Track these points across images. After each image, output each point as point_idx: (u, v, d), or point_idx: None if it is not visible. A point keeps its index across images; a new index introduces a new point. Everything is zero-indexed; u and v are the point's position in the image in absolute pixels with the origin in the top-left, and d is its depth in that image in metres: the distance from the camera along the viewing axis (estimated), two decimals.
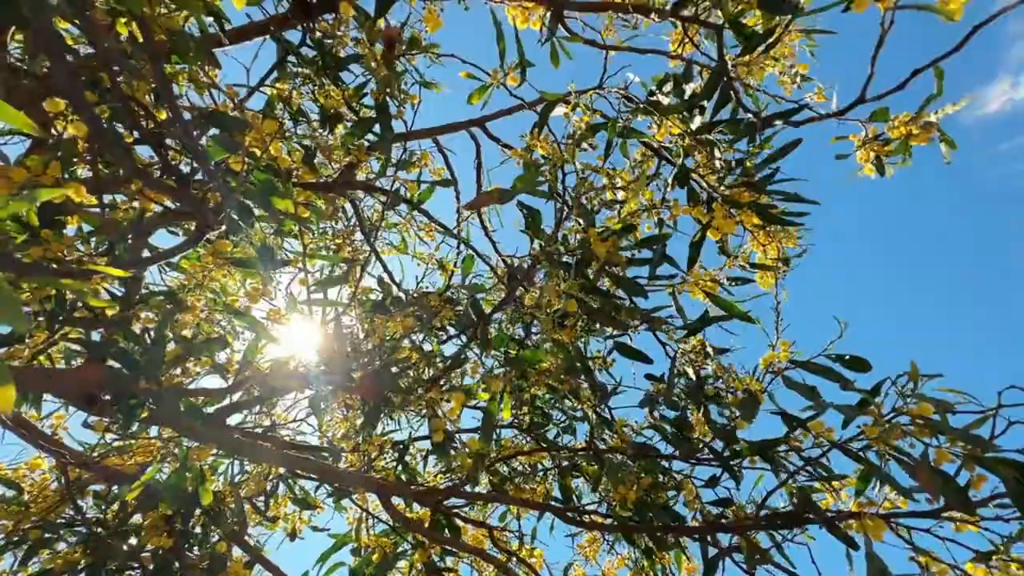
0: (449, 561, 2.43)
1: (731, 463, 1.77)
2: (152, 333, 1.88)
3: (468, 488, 2.23)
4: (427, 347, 2.51)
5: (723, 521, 1.90)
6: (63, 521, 1.90)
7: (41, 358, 1.84)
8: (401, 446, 2.57)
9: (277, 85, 2.20)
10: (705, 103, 1.79)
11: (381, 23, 2.13)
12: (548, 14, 2.10)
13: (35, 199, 1.36)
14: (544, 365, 2.38)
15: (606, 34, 2.43)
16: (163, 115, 1.79)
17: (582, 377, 2.28)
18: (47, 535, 1.83)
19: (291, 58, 2.20)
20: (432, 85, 2.35)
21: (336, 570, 2.45)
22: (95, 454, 2.03)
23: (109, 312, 1.85)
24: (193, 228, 1.83)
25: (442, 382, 2.33)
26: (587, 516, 2.28)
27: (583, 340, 2.38)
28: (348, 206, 2.74)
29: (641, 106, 1.96)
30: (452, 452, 2.23)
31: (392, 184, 2.55)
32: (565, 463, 2.48)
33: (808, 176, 1.86)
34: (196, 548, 2.07)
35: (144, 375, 1.80)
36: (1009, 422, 1.27)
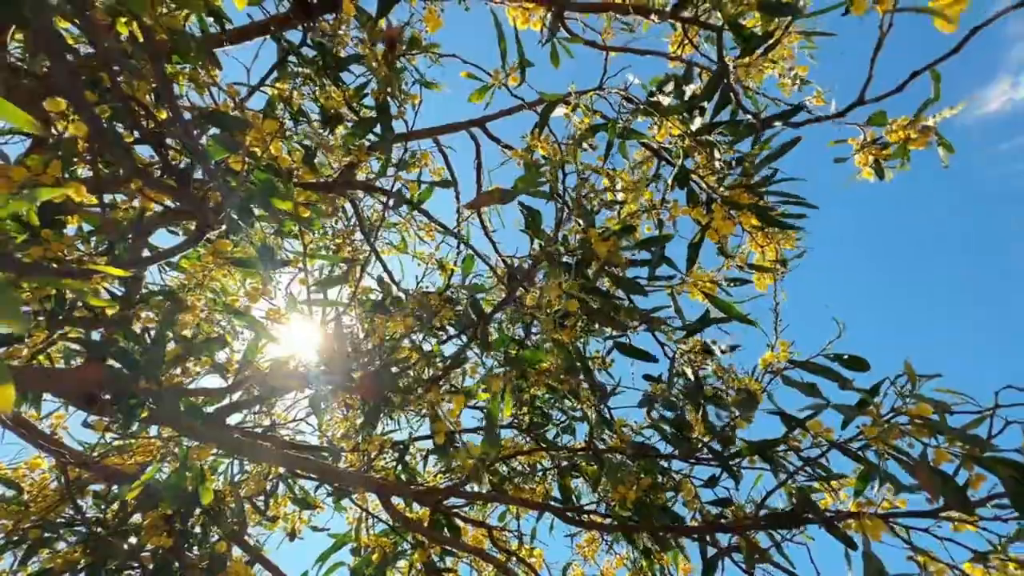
0: (449, 561, 2.43)
1: (730, 463, 1.77)
2: (152, 333, 1.88)
3: (468, 488, 2.24)
4: (427, 347, 2.51)
5: (722, 521, 1.90)
6: (63, 520, 1.89)
7: (40, 358, 1.84)
8: (401, 446, 2.57)
9: (277, 85, 2.20)
10: (705, 104, 1.79)
11: (382, 23, 2.14)
12: (549, 15, 2.10)
13: (35, 198, 1.36)
14: (544, 365, 2.38)
15: (606, 35, 2.43)
16: (163, 115, 1.79)
17: (582, 377, 2.28)
18: (47, 534, 1.83)
19: (291, 58, 2.20)
20: (433, 85, 2.35)
21: (336, 570, 2.45)
22: (95, 454, 2.03)
23: (109, 312, 1.84)
24: (193, 228, 1.83)
25: (442, 382, 2.33)
26: (586, 516, 2.28)
27: (583, 340, 2.38)
28: (348, 206, 2.74)
29: (642, 107, 1.97)
30: (453, 452, 2.23)
31: (392, 184, 2.55)
32: (564, 463, 2.48)
33: (807, 178, 1.87)
34: (196, 548, 2.07)
35: (144, 375, 1.80)
36: (1007, 422, 1.28)
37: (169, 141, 1.78)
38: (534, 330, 2.43)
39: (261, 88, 2.17)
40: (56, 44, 1.20)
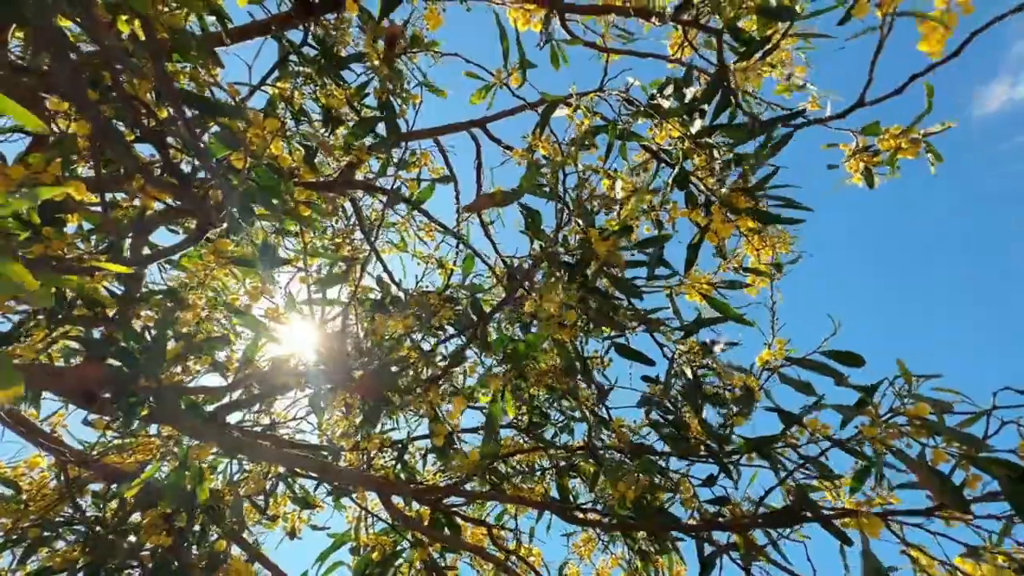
0: (448, 559, 2.44)
1: (728, 461, 1.79)
2: (152, 331, 1.88)
3: (468, 487, 2.24)
4: (426, 346, 2.52)
5: (720, 519, 1.92)
6: (62, 519, 1.89)
7: (40, 357, 1.84)
8: (400, 445, 2.58)
9: (279, 84, 2.20)
10: (705, 107, 1.81)
11: (384, 21, 2.14)
12: (548, 17, 2.11)
13: (36, 197, 1.36)
14: (542, 365, 2.39)
15: (606, 37, 2.44)
16: (164, 114, 1.79)
17: (580, 377, 2.29)
18: (46, 533, 1.82)
19: (293, 57, 2.20)
20: (434, 89, 2.36)
21: (335, 569, 2.45)
22: (94, 452, 2.03)
23: (109, 310, 1.84)
24: (194, 226, 1.83)
25: (441, 382, 2.34)
26: (585, 514, 2.29)
27: (582, 341, 2.39)
28: (348, 205, 2.74)
29: (642, 109, 1.98)
30: (452, 453, 2.24)
31: (392, 183, 2.56)
32: (562, 463, 2.49)
33: (806, 179, 1.89)
34: (195, 547, 2.07)
35: (144, 373, 1.80)
36: (1002, 422, 1.30)
37: (170, 140, 1.78)
38: (533, 330, 2.43)
39: (262, 87, 2.17)
40: (58, 42, 1.20)
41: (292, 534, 2.73)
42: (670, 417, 2.15)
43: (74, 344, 1.88)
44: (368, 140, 2.36)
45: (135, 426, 1.90)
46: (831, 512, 1.52)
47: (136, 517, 1.96)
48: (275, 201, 1.77)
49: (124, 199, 1.96)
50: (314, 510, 2.69)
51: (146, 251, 1.91)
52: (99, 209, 1.84)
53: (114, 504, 1.97)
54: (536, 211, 2.13)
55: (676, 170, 1.96)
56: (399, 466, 2.59)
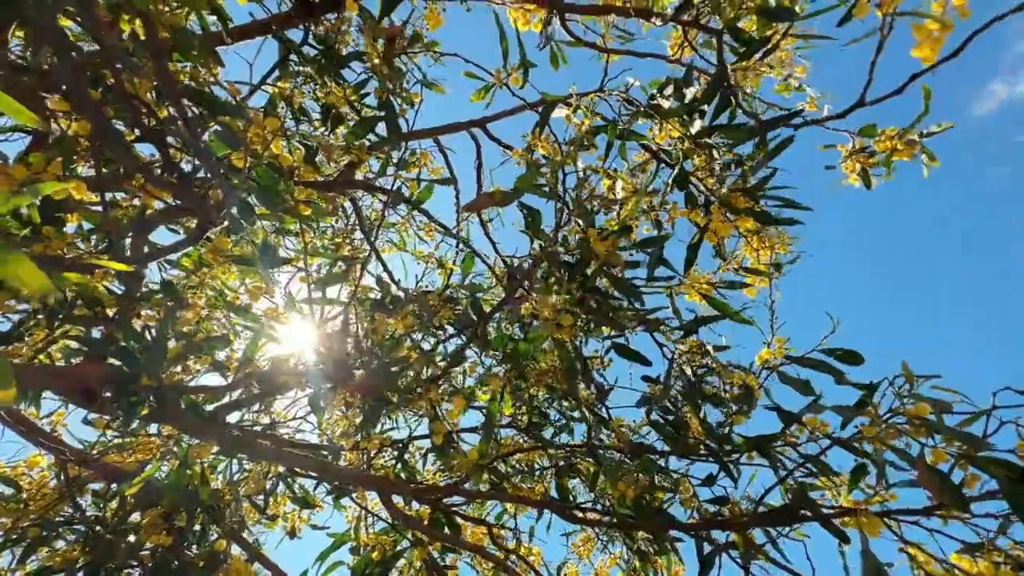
0: (448, 559, 2.44)
1: (727, 459, 1.79)
2: (153, 331, 1.87)
3: (468, 486, 2.25)
4: (426, 346, 2.52)
5: (719, 519, 1.92)
6: (62, 519, 1.89)
7: (40, 356, 1.83)
8: (400, 445, 2.58)
9: (279, 84, 2.20)
10: (705, 107, 1.81)
11: (383, 21, 2.14)
12: (550, 17, 2.11)
13: (36, 194, 1.36)
14: (542, 365, 2.39)
15: (606, 38, 2.45)
16: (164, 113, 1.79)
17: (580, 376, 2.29)
18: (46, 533, 1.82)
19: (293, 56, 2.20)
20: (434, 86, 2.36)
21: (335, 569, 2.46)
22: (94, 452, 2.03)
23: (109, 310, 1.84)
24: (194, 226, 1.83)
25: (441, 382, 2.34)
26: (585, 513, 2.30)
27: (581, 341, 2.39)
28: (348, 205, 2.74)
29: (642, 109, 1.98)
30: (452, 452, 2.24)
31: (392, 183, 2.56)
32: (562, 463, 2.50)
33: (806, 180, 1.90)
34: (195, 546, 2.07)
35: (145, 372, 1.80)
36: (1001, 422, 1.30)
37: (170, 140, 1.78)
38: (533, 329, 2.44)
39: (262, 87, 2.17)
40: (60, 41, 1.20)
41: (292, 534, 2.73)
42: (670, 417, 2.16)
43: (74, 344, 1.88)
44: (368, 140, 2.36)
45: (135, 425, 1.90)
46: (830, 511, 1.52)
47: (136, 516, 1.96)
48: (275, 200, 1.77)
49: (124, 198, 1.96)
50: (314, 510, 2.69)
51: (146, 250, 1.91)
52: (99, 209, 1.84)
53: (114, 503, 1.97)
54: (536, 210, 2.14)
55: (676, 170, 1.97)
56: (399, 466, 2.60)
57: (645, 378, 2.30)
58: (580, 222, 2.10)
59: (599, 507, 2.31)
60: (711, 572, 1.82)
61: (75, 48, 1.43)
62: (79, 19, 1.54)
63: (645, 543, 2.46)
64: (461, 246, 2.80)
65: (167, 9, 1.65)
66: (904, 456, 1.26)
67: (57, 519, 1.88)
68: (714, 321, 2.08)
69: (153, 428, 2.12)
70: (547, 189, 2.05)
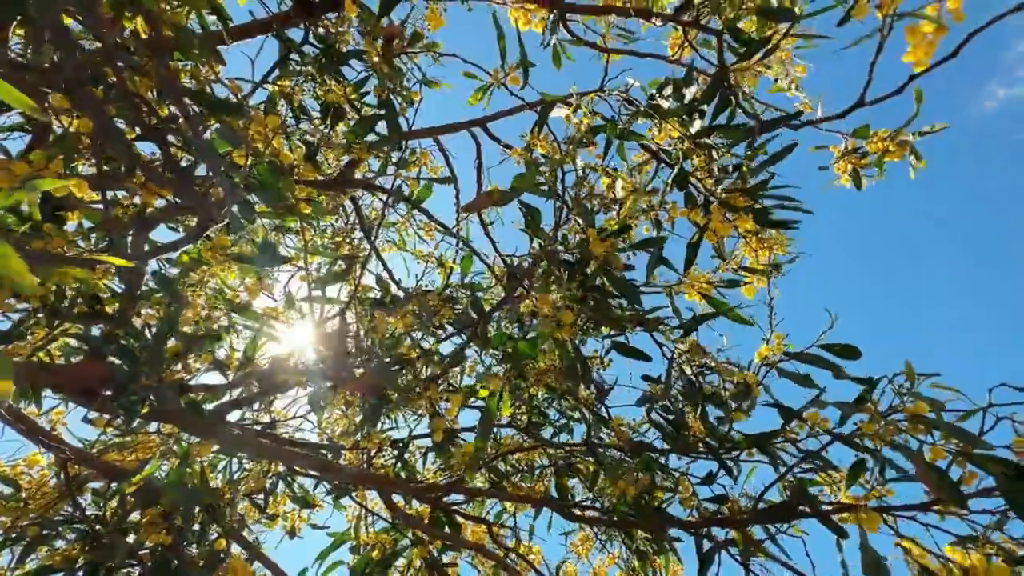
0: (448, 557, 2.44)
1: (727, 457, 1.80)
2: (153, 329, 1.87)
3: (468, 484, 2.25)
4: (426, 345, 2.52)
5: (719, 516, 1.93)
6: (62, 518, 1.88)
7: (40, 354, 1.83)
8: (400, 444, 2.58)
9: (279, 82, 2.21)
10: (705, 107, 1.82)
11: (383, 20, 2.15)
12: (556, 21, 2.12)
13: (36, 189, 1.36)
14: (541, 364, 2.39)
15: (607, 38, 2.46)
16: (165, 111, 1.79)
17: (580, 376, 2.30)
18: (45, 532, 1.82)
19: (293, 56, 2.20)
20: (434, 84, 2.36)
21: (335, 568, 2.46)
22: (94, 450, 2.02)
23: (109, 308, 1.84)
24: (195, 224, 1.83)
25: (441, 381, 2.34)
26: (584, 512, 2.30)
27: (581, 340, 2.40)
28: (348, 204, 2.75)
29: (642, 109, 2.00)
30: (451, 450, 2.24)
31: (393, 182, 2.57)
32: (561, 462, 2.50)
33: (804, 177, 1.91)
34: (195, 545, 2.06)
35: (145, 371, 1.80)
36: (997, 419, 1.32)
37: (171, 138, 1.79)
38: (532, 328, 2.44)
39: (263, 86, 2.17)
40: (63, 38, 1.21)
41: (292, 533, 2.73)
42: (671, 416, 2.17)
43: (74, 342, 1.88)
44: (368, 139, 2.36)
45: (135, 424, 1.90)
46: (829, 507, 1.54)
47: (136, 515, 1.96)
48: (276, 198, 1.78)
49: (125, 196, 1.96)
50: (314, 509, 2.69)
51: (146, 248, 1.90)
52: (99, 207, 1.84)
53: (114, 502, 1.96)
54: (536, 209, 2.14)
55: (675, 170, 1.98)
56: (399, 465, 2.60)
57: (645, 377, 2.31)
58: (580, 221, 2.11)
59: (598, 506, 2.32)
60: (710, 569, 1.83)
61: (77, 46, 1.43)
62: (80, 17, 1.54)
63: (644, 543, 2.47)
64: (461, 245, 2.81)
65: (167, 7, 1.66)
66: (905, 452, 1.27)
67: (57, 518, 1.88)
68: (712, 318, 2.09)
69: (153, 427, 2.11)
70: (546, 188, 2.06)
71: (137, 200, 1.91)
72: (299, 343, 2.33)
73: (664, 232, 2.16)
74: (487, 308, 2.40)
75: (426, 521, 2.35)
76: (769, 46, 1.73)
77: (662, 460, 2.18)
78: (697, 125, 1.85)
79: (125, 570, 1.89)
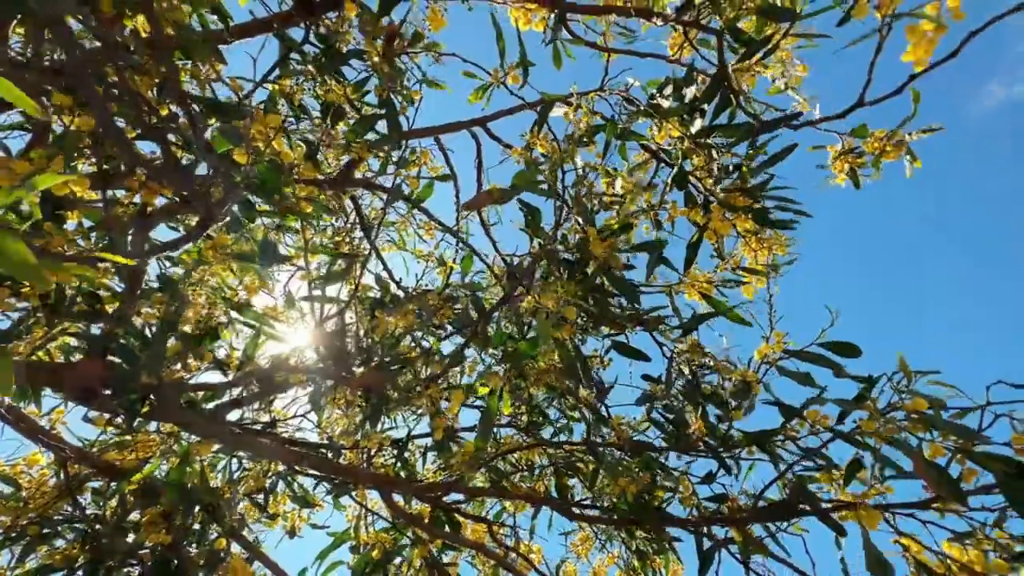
0: (449, 556, 2.45)
1: (727, 455, 1.81)
2: (153, 328, 1.87)
3: (468, 483, 2.25)
4: (426, 344, 2.52)
5: (719, 515, 1.93)
6: (61, 517, 1.88)
7: (40, 354, 1.83)
8: (400, 443, 2.58)
9: (279, 82, 2.21)
10: (705, 107, 1.83)
11: (383, 20, 2.15)
12: (552, 16, 2.13)
13: (36, 188, 1.35)
14: (541, 364, 2.40)
15: (607, 37, 2.46)
16: (165, 111, 1.79)
17: (580, 374, 2.30)
18: (45, 531, 1.81)
19: (294, 55, 2.20)
20: (434, 84, 2.37)
21: (335, 568, 2.46)
22: (94, 449, 2.02)
23: (109, 307, 1.84)
24: (195, 223, 1.82)
25: (441, 380, 2.34)
26: (584, 510, 2.31)
27: (581, 339, 2.41)
28: (348, 203, 2.75)
29: (642, 108, 2.00)
30: (452, 449, 2.25)
31: (393, 181, 2.57)
32: (561, 462, 2.51)
33: (803, 177, 1.92)
34: (195, 545, 2.06)
35: (145, 370, 1.80)
36: (996, 416, 1.33)
37: (171, 137, 1.78)
38: (532, 328, 2.44)
39: (263, 85, 2.17)
40: (66, 35, 1.21)
41: (292, 533, 2.73)
42: (671, 416, 2.17)
43: (74, 341, 1.88)
44: (369, 138, 2.37)
45: (135, 423, 1.90)
46: (829, 505, 1.54)
47: (136, 515, 1.95)
48: (277, 197, 1.78)
49: (125, 195, 1.96)
50: (313, 509, 2.69)
51: (146, 247, 1.90)
52: (99, 206, 1.84)
53: (114, 502, 1.96)
54: (536, 208, 2.15)
55: (675, 170, 1.98)
56: (399, 464, 2.60)
57: (645, 376, 2.31)
58: (579, 221, 2.11)
59: (598, 505, 2.32)
60: (710, 568, 1.83)
61: (79, 43, 1.43)
62: (79, 16, 1.54)
63: (644, 542, 2.47)
64: (460, 245, 2.81)
65: (166, 5, 1.65)
66: (904, 449, 1.28)
67: (56, 517, 1.87)
68: (712, 318, 2.10)
69: (153, 426, 2.11)
70: (546, 187, 2.07)
71: (137, 199, 1.91)
72: (299, 342, 2.33)
73: (664, 232, 2.17)
74: (487, 307, 2.40)
75: (426, 520, 2.35)
76: (769, 46, 1.73)
77: (662, 459, 2.18)
78: (698, 125, 1.86)
79: (125, 569, 1.88)
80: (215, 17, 2.00)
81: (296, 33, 2.19)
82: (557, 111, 2.25)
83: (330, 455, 2.37)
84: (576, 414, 2.60)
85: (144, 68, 1.66)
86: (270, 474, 2.44)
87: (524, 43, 2.36)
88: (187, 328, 2.02)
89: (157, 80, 1.71)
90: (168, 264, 2.14)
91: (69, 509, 1.90)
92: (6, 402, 1.81)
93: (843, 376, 1.50)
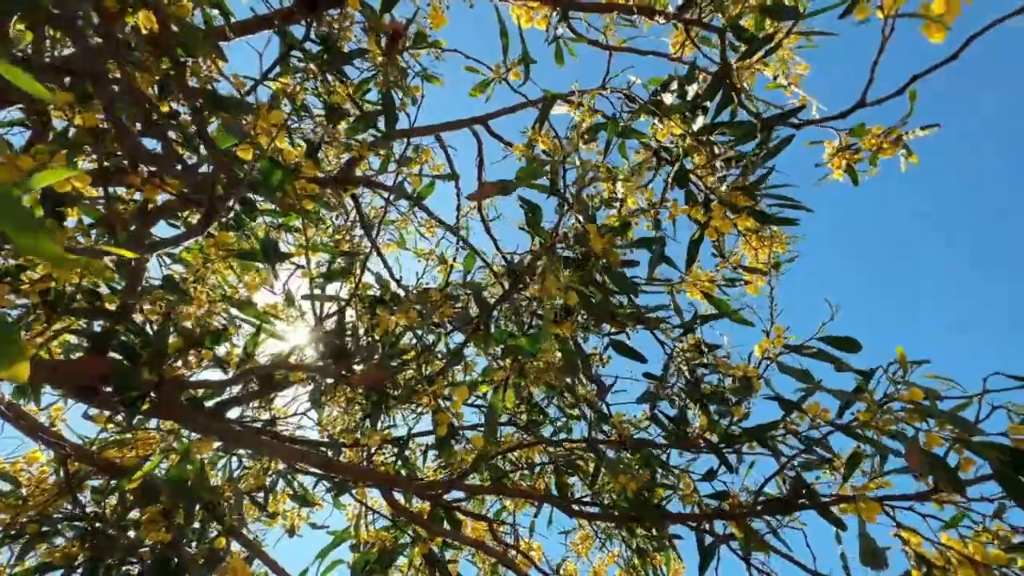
0: (449, 555, 2.44)
1: (727, 450, 1.82)
2: (155, 325, 1.87)
3: (469, 481, 2.25)
4: (427, 341, 2.52)
5: (720, 512, 1.94)
6: (61, 515, 1.87)
7: (40, 351, 1.82)
8: (400, 441, 2.58)
9: (281, 80, 2.21)
10: (707, 104, 1.85)
11: (385, 17, 2.16)
12: (554, 14, 2.14)
13: (35, 184, 1.35)
14: (541, 364, 2.41)
15: (608, 35, 2.48)
16: (166, 107, 1.79)
17: (580, 373, 2.31)
18: (45, 529, 1.80)
19: (295, 53, 2.20)
20: (435, 79, 2.37)
21: (335, 567, 2.45)
22: (94, 447, 2.01)
23: (109, 303, 1.83)
24: (197, 220, 1.82)
25: (443, 376, 2.35)
26: (584, 508, 2.31)
27: (582, 337, 2.42)
28: (348, 201, 2.75)
29: (644, 106, 2.02)
30: (455, 446, 2.25)
31: (394, 179, 2.57)
32: (561, 459, 2.51)
33: (804, 175, 1.94)
34: (195, 543, 2.05)
35: (146, 367, 1.80)
36: (993, 407, 1.35)
37: (171, 135, 1.78)
38: (532, 327, 2.45)
39: (264, 82, 2.17)
40: (74, 26, 1.21)
41: (291, 532, 2.72)
42: (672, 413, 2.18)
43: (74, 338, 1.87)
44: (369, 137, 2.37)
45: (136, 421, 1.89)
46: (828, 498, 1.56)
47: (136, 513, 1.94)
48: (279, 194, 1.78)
49: (126, 192, 1.96)
50: (313, 508, 2.68)
51: (147, 243, 1.90)
52: (100, 203, 1.83)
53: (114, 500, 1.95)
54: (537, 206, 2.16)
55: (676, 168, 2.00)
56: (399, 462, 2.60)
57: (647, 375, 2.32)
58: (580, 218, 2.12)
59: (598, 503, 2.33)
60: (711, 564, 1.84)
61: (87, 37, 1.43)
62: (82, 12, 1.54)
63: (644, 540, 2.48)
64: (461, 244, 2.81)
65: (167, 1, 1.66)
66: (903, 440, 1.30)
67: (56, 515, 1.86)
68: (714, 319, 2.11)
69: (153, 423, 2.10)
70: (548, 182, 2.07)
71: (138, 196, 1.90)
72: (299, 340, 2.32)
73: (664, 230, 2.18)
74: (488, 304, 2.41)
75: (426, 518, 2.35)
76: (772, 44, 1.75)
77: (663, 457, 2.19)
78: (699, 122, 1.88)
79: (124, 568, 1.87)
80: (216, 12, 2.01)
81: (297, 31, 2.20)
82: (558, 108, 2.26)
83: (330, 453, 2.37)
84: (575, 412, 2.61)
85: (145, 64, 1.66)
86: (270, 472, 2.43)
87: (526, 40, 2.38)
88: (188, 324, 2.01)
89: (158, 77, 1.71)
90: (169, 261, 2.13)
91: (69, 507, 1.89)
92: (6, 399, 1.80)
93: (843, 370, 1.51)
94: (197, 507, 2.03)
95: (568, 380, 2.40)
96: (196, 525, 2.08)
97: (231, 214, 1.83)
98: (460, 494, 2.42)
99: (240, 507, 2.18)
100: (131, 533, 1.89)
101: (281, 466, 2.45)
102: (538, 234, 2.22)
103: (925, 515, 1.46)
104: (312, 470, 2.35)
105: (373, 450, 2.47)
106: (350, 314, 2.49)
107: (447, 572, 2.37)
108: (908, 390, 1.38)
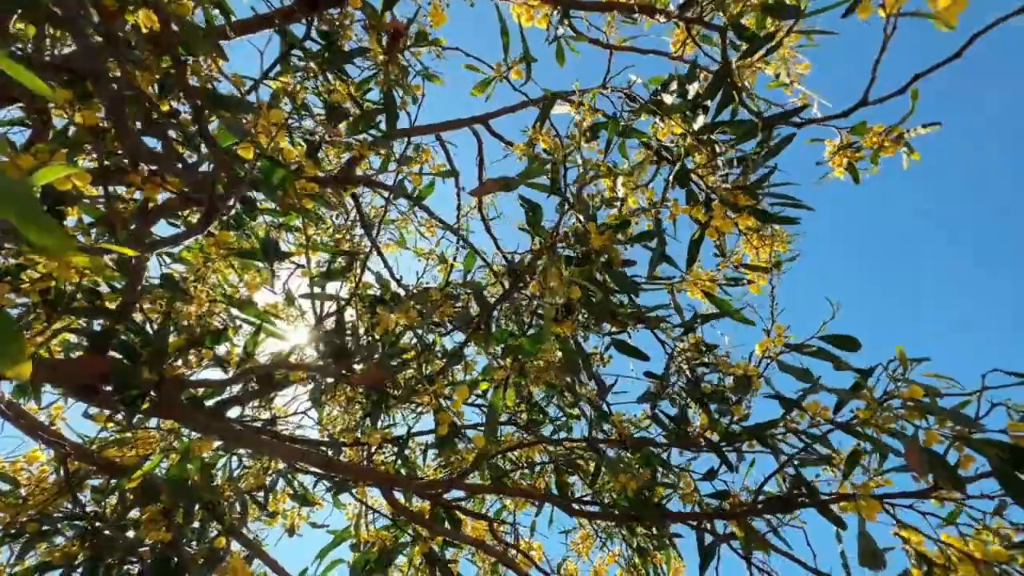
0: (449, 553, 2.44)
1: (727, 449, 1.82)
2: (155, 324, 1.86)
3: (470, 480, 2.25)
4: (428, 340, 2.52)
5: (721, 511, 1.94)
6: (61, 514, 1.86)
7: (40, 350, 1.81)
8: (400, 441, 2.58)
9: (281, 79, 2.21)
10: (708, 103, 1.85)
11: (386, 15, 2.16)
12: (556, 13, 2.14)
13: (35, 182, 1.34)
14: (541, 363, 2.41)
15: (609, 33, 2.48)
16: (166, 106, 1.78)
17: (581, 371, 2.31)
18: (45, 528, 1.80)
19: (295, 51, 2.20)
20: (435, 78, 2.37)
21: (335, 567, 2.45)
22: (94, 446, 2.00)
23: (109, 302, 1.83)
24: (197, 219, 1.82)
25: (443, 375, 2.35)
26: (586, 507, 2.31)
27: (583, 336, 2.42)
28: (349, 201, 2.75)
29: (645, 105, 2.02)
30: (455, 444, 2.25)
31: (395, 178, 2.57)
32: (561, 459, 2.51)
33: (806, 174, 1.94)
34: (195, 543, 2.05)
35: (146, 366, 1.79)
36: (992, 404, 1.35)
37: (172, 133, 1.78)
38: (533, 327, 2.45)
39: (264, 81, 2.17)
40: (75, 24, 1.21)
41: (291, 531, 2.72)
42: (673, 412, 2.18)
43: (74, 337, 1.86)
44: (370, 136, 2.37)
45: (136, 420, 1.88)
46: (828, 496, 1.56)
47: (136, 512, 1.94)
48: (279, 193, 1.78)
49: (126, 191, 1.95)
50: (313, 507, 2.68)
51: (147, 242, 1.89)
52: (100, 202, 1.83)
53: (114, 499, 1.95)
54: (537, 205, 2.16)
55: (677, 167, 2.00)
56: (399, 461, 2.60)
57: (648, 374, 2.32)
58: (580, 217, 2.12)
59: (599, 502, 2.33)
60: (711, 563, 1.84)
61: (88, 35, 1.42)
62: (81, 13, 1.54)
63: (644, 539, 2.48)
64: (461, 243, 2.81)
65: (167, 0, 1.66)
66: (902, 438, 1.30)
67: (56, 514, 1.86)
68: (716, 319, 2.11)
69: (153, 423, 2.10)
70: (549, 180, 2.08)
71: (139, 195, 1.90)
72: (299, 339, 2.32)
73: (665, 229, 2.18)
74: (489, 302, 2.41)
75: (426, 517, 2.35)
76: (773, 42, 1.75)
77: (663, 456, 2.19)
78: (700, 121, 1.88)
79: (124, 567, 1.87)
80: (217, 11, 2.01)
81: (298, 29, 2.20)
82: (559, 108, 2.26)
83: (330, 452, 2.37)
84: (576, 411, 2.61)
85: (146, 63, 1.66)
86: (270, 472, 2.43)
87: (526, 39, 2.38)
88: (188, 323, 2.01)
89: (159, 76, 1.71)
90: (169, 260, 2.13)
91: (69, 506, 1.88)
92: (6, 397, 1.80)
93: (843, 369, 1.52)
94: (197, 507, 2.03)
95: (568, 379, 2.40)
96: (196, 524, 2.08)
97: (231, 213, 1.83)
98: (460, 493, 2.42)
99: (242, 506, 2.18)
100: (131, 532, 1.89)
101: (281, 465, 2.44)
102: (538, 233, 2.22)
103: (925, 513, 1.46)
104: (312, 469, 2.35)
105: (373, 449, 2.47)
106: (350, 313, 2.49)
107: (447, 571, 2.37)
108: (908, 388, 1.38)
